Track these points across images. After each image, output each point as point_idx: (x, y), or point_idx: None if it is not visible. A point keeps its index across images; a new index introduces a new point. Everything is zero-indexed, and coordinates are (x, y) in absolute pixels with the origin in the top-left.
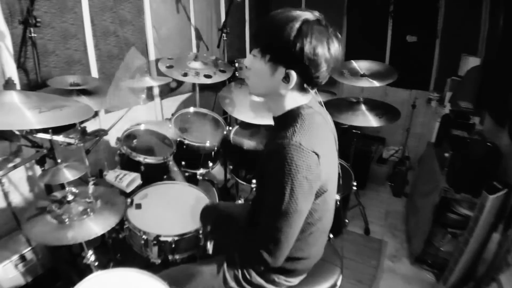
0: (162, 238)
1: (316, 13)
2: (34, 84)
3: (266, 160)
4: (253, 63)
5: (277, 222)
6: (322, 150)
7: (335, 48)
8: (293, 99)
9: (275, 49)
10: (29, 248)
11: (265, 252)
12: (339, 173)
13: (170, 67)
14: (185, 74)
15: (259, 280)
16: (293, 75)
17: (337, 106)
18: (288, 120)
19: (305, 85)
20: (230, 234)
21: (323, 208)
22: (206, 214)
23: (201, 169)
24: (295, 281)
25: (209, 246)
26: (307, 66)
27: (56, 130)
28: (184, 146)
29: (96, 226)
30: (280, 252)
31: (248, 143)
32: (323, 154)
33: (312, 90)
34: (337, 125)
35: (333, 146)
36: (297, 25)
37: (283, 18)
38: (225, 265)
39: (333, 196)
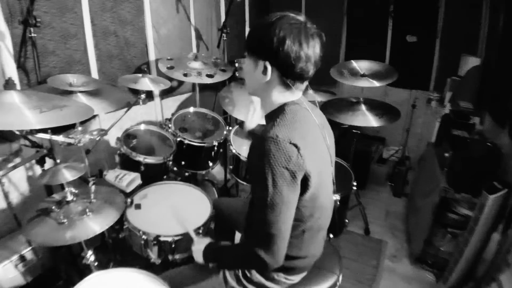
0: (162, 238)
1: (300, 16)
2: (34, 84)
3: (248, 157)
4: (244, 63)
5: (266, 215)
6: (304, 143)
7: (310, 43)
8: (278, 95)
9: (251, 43)
10: (29, 248)
11: (262, 251)
12: (332, 177)
13: (171, 68)
14: (186, 74)
15: (259, 278)
16: (268, 66)
17: (337, 106)
18: (273, 116)
19: (284, 79)
20: (228, 256)
21: (313, 205)
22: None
23: (201, 169)
24: (295, 278)
25: None
26: (278, 57)
27: (56, 130)
28: (184, 146)
29: (95, 224)
30: (276, 248)
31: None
32: (305, 147)
33: (294, 86)
34: (337, 125)
35: (321, 142)
36: (270, 20)
37: (265, 18)
38: None
39: (325, 193)
